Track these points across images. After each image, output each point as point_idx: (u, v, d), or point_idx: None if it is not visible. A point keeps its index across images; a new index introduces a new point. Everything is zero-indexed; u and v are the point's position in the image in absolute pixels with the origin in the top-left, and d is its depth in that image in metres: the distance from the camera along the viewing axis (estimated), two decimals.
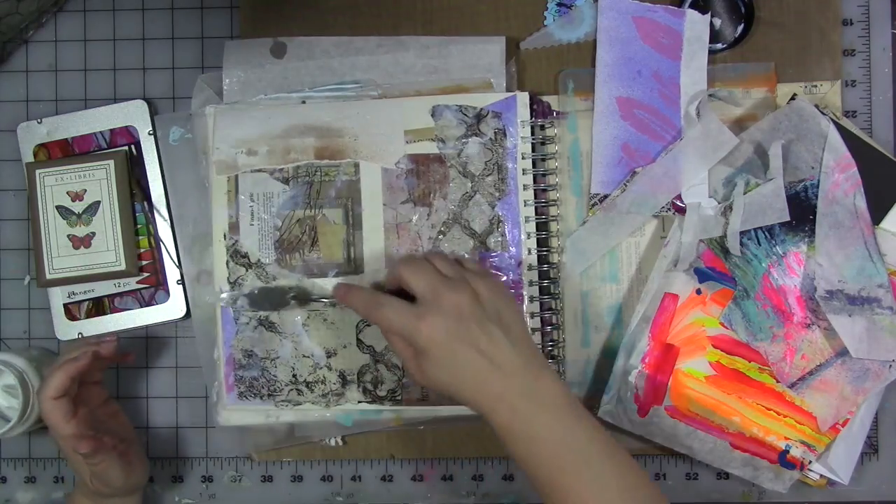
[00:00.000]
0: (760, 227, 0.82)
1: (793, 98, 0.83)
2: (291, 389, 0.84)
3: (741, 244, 0.82)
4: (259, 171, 0.84)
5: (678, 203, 0.83)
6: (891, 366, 0.81)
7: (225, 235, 0.84)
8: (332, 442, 0.87)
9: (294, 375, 0.84)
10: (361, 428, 0.86)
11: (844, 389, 0.82)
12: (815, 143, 0.82)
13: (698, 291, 0.83)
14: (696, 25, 0.84)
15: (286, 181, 0.84)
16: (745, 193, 0.81)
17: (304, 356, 0.84)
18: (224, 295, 0.83)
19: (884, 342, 0.81)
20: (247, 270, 0.84)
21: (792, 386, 0.82)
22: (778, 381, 0.82)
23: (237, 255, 0.84)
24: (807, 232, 0.82)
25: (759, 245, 0.82)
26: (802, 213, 0.82)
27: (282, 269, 0.84)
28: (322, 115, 0.84)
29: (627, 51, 0.85)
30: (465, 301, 0.70)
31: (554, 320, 0.84)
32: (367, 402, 0.83)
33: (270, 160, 0.84)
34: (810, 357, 0.82)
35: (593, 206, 0.84)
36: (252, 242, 0.84)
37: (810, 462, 0.83)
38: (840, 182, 0.81)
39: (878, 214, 0.82)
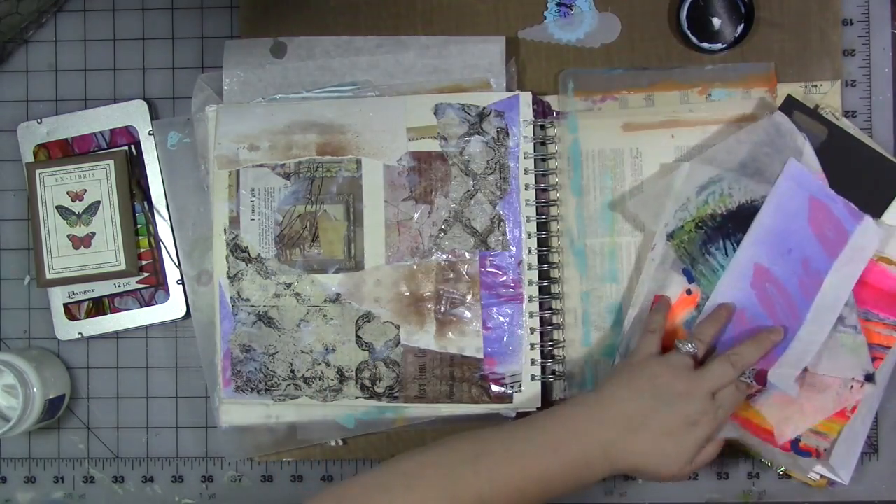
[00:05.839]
0: (729, 239, 0.82)
1: (786, 99, 0.83)
2: (289, 384, 0.84)
3: (709, 253, 0.82)
4: (260, 166, 0.84)
5: None
6: (851, 387, 0.81)
7: (225, 230, 0.84)
8: (332, 442, 0.87)
9: (292, 371, 0.84)
10: (364, 429, 0.85)
11: (803, 405, 0.81)
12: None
13: (688, 292, 0.83)
14: (867, 234, 0.79)
15: (287, 176, 0.84)
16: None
17: (302, 352, 0.84)
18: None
19: (842, 359, 0.80)
20: (246, 265, 0.84)
21: (749, 397, 0.81)
22: None
23: (237, 250, 0.84)
24: None
25: (727, 256, 0.82)
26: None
27: (282, 264, 0.84)
28: (324, 111, 0.84)
29: (790, 226, 0.80)
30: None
31: (554, 320, 0.84)
32: (364, 398, 0.83)
33: (272, 155, 0.84)
34: None
35: None
36: (252, 237, 0.84)
37: (825, 449, 0.81)
38: None
39: (877, 213, 0.81)
